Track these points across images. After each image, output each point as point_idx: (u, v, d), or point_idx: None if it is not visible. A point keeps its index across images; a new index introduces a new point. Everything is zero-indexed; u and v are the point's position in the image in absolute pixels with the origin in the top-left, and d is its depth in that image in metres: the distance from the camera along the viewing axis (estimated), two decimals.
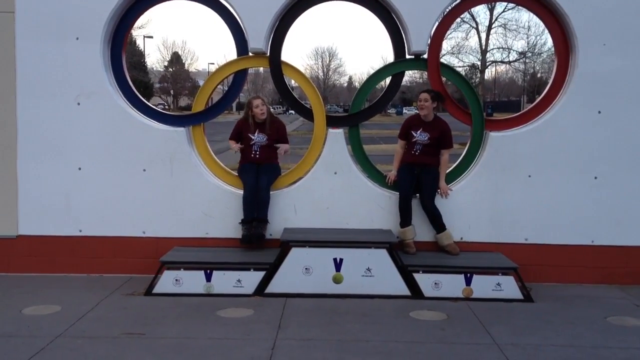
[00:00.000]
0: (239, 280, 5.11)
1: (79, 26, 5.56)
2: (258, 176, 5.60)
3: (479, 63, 37.88)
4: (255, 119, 5.70)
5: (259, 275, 5.13)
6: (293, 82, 6.19)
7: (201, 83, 6.43)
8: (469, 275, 5.11)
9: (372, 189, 5.71)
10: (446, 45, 37.25)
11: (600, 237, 5.60)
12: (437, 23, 5.63)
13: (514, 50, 41.14)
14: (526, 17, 45.92)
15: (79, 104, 5.62)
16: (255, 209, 5.53)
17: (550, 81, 5.82)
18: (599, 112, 5.52)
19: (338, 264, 5.15)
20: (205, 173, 5.75)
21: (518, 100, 56.39)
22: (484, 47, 36.87)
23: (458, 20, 30.67)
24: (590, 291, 5.43)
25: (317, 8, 5.79)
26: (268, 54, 5.77)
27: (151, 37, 53.20)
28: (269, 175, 5.66)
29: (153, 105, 6.23)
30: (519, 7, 28.87)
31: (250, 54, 5.76)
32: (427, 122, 5.59)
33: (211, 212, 5.68)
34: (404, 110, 59.68)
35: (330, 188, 5.68)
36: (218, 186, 5.73)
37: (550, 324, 4.55)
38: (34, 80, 5.61)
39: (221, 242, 5.66)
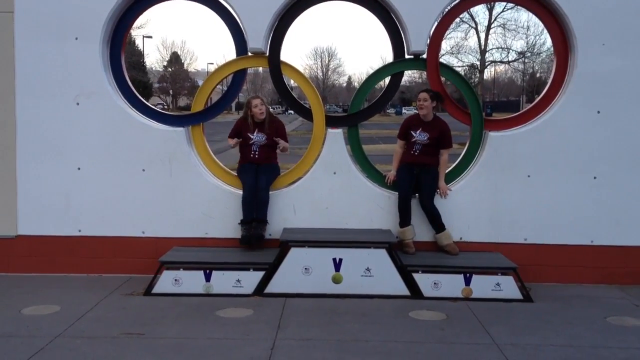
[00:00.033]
0: (238, 280, 5.11)
1: (78, 26, 5.55)
2: (257, 176, 5.60)
3: (478, 63, 37.90)
4: (254, 119, 5.70)
5: (259, 275, 5.13)
6: (292, 82, 6.19)
7: (200, 83, 6.43)
8: (468, 275, 5.11)
9: (372, 189, 5.71)
10: (445, 45, 37.36)
11: (600, 237, 5.61)
12: (436, 23, 5.63)
13: (513, 50, 41.15)
14: (525, 17, 45.93)
15: (78, 104, 5.62)
16: (255, 209, 5.53)
17: (550, 81, 5.82)
18: (598, 112, 5.53)
19: (337, 264, 5.15)
20: (204, 173, 5.75)
21: (517, 100, 56.39)
22: (483, 47, 36.90)
23: (457, 20, 30.64)
24: (589, 291, 5.43)
25: (316, 8, 5.79)
26: (267, 54, 5.77)
27: (150, 37, 53.25)
28: (268, 175, 5.66)
29: (152, 105, 6.23)
30: (518, 7, 28.95)
31: (250, 53, 5.76)
32: (427, 122, 5.59)
33: (210, 212, 5.68)
34: (403, 110, 59.72)
35: (330, 188, 5.68)
36: (217, 186, 5.73)
37: (550, 324, 4.56)
38: (33, 81, 5.61)
39: (220, 242, 5.66)
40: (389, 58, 6.01)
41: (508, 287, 5.09)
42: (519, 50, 41.43)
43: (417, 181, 5.56)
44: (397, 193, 5.60)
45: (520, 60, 41.98)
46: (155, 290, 5.10)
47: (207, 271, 5.12)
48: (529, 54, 40.66)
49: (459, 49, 37.76)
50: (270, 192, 5.63)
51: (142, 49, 50.59)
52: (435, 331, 4.37)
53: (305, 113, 5.89)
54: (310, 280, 5.13)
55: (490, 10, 36.02)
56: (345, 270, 5.15)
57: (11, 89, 5.61)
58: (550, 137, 5.57)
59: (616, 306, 5.03)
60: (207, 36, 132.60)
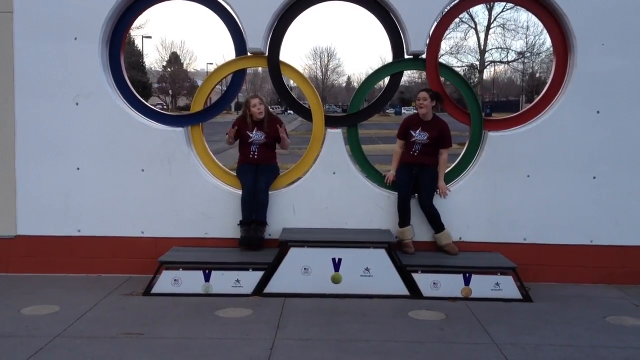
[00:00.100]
0: (237, 280, 5.11)
1: (77, 26, 5.55)
2: (256, 177, 5.60)
3: (477, 63, 37.88)
4: (253, 118, 5.69)
5: (258, 275, 5.13)
6: (292, 82, 6.19)
7: (199, 83, 6.42)
8: (467, 275, 5.11)
9: (371, 189, 5.71)
10: (445, 45, 37.37)
11: (599, 237, 5.61)
12: (435, 23, 5.63)
13: (512, 50, 41.18)
14: (525, 16, 45.99)
15: (77, 104, 5.62)
16: (254, 210, 5.53)
17: (549, 81, 5.82)
18: (598, 112, 5.53)
19: (337, 264, 5.15)
20: (203, 173, 5.74)
21: (517, 100, 56.39)
22: (482, 47, 36.88)
23: (457, 20, 30.68)
24: (589, 291, 5.43)
25: (315, 8, 5.79)
26: (266, 54, 5.77)
27: (150, 37, 53.23)
28: (268, 176, 5.65)
29: (151, 105, 6.22)
30: (518, 7, 28.95)
31: (249, 53, 5.76)
32: (426, 122, 5.59)
33: (210, 212, 5.68)
34: (403, 110, 59.67)
35: (329, 188, 5.68)
36: (217, 186, 5.73)
37: (549, 323, 4.56)
38: (32, 81, 5.61)
39: (220, 242, 5.66)
40: (389, 58, 6.01)
41: (507, 286, 5.09)
42: (519, 50, 41.45)
43: (416, 181, 5.56)
44: (396, 193, 5.60)
45: (520, 60, 41.97)
46: (155, 290, 5.10)
47: (207, 271, 5.12)
48: (528, 54, 40.65)
49: (458, 49, 37.76)
50: (269, 192, 5.63)
51: (141, 49, 50.57)
52: (435, 331, 4.37)
53: (305, 113, 5.89)
54: (310, 280, 5.13)
55: (490, 10, 36.01)
56: (345, 270, 5.15)
57: (10, 89, 5.61)
58: (550, 137, 5.57)
59: (615, 306, 5.04)
60: (206, 36, 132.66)
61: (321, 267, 5.15)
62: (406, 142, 5.68)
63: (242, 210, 5.52)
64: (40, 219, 5.69)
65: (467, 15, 34.94)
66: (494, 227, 5.64)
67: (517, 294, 5.08)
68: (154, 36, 75.16)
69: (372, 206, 5.67)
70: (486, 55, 37.52)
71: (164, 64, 58.29)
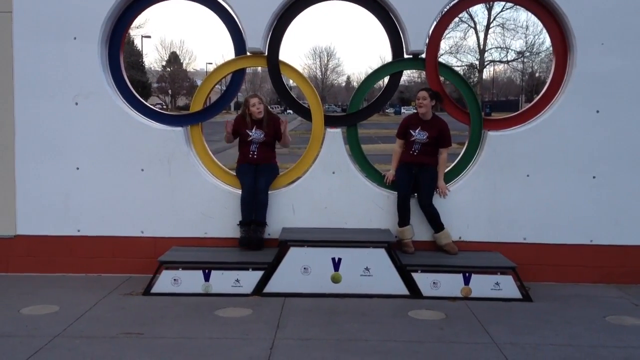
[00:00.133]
0: (237, 280, 5.11)
1: (76, 26, 5.55)
2: (256, 177, 5.59)
3: (477, 62, 37.94)
4: (252, 117, 5.69)
5: (258, 275, 5.13)
6: (291, 81, 6.19)
7: (199, 83, 6.43)
8: (467, 274, 5.11)
9: (371, 189, 5.71)
10: (444, 44, 37.38)
11: (599, 237, 5.61)
12: (435, 22, 5.63)
13: (512, 50, 41.25)
14: (524, 16, 46.02)
15: (77, 104, 5.62)
16: (254, 210, 5.53)
17: (549, 81, 5.82)
18: (598, 111, 5.53)
19: (336, 264, 5.15)
20: (203, 173, 5.74)
21: (516, 99, 56.41)
22: (482, 46, 36.92)
23: (456, 19, 30.68)
24: (588, 290, 5.43)
25: (315, 8, 5.79)
26: (266, 54, 5.76)
27: (149, 36, 53.32)
28: (267, 176, 5.65)
29: (151, 105, 6.22)
30: (517, 7, 28.93)
31: (248, 53, 5.76)
32: (426, 121, 5.59)
33: (210, 212, 5.68)
34: (402, 110, 59.67)
35: (329, 188, 5.68)
36: (216, 186, 5.73)
37: (549, 323, 4.56)
38: (31, 80, 5.60)
39: (220, 242, 5.66)
40: (388, 58, 6.01)
41: (507, 286, 5.09)
42: (518, 49, 41.55)
43: (416, 181, 5.56)
44: (396, 192, 5.60)
45: (519, 59, 42.02)
46: (154, 290, 5.10)
47: (206, 271, 5.12)
48: (528, 54, 40.71)
49: (457, 48, 37.82)
50: (269, 192, 5.63)
51: (140, 49, 50.55)
52: (435, 330, 4.37)
53: (304, 113, 5.88)
54: (310, 280, 5.13)
55: (489, 10, 36.06)
56: (345, 270, 5.15)
57: (10, 89, 5.61)
58: (550, 137, 5.57)
59: (615, 305, 5.04)
60: (205, 36, 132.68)
61: (321, 266, 5.15)
62: (406, 141, 5.68)
63: (241, 210, 5.52)
64: (40, 219, 5.69)
65: (466, 15, 35.01)
66: (494, 226, 5.64)
67: (517, 294, 5.08)
68: (154, 36, 75.33)
69: (371, 206, 5.67)
70: (486, 54, 37.61)
71: (164, 63, 58.33)
